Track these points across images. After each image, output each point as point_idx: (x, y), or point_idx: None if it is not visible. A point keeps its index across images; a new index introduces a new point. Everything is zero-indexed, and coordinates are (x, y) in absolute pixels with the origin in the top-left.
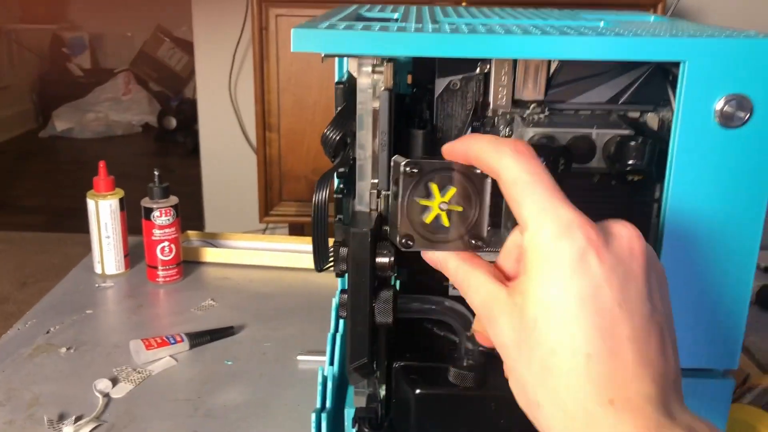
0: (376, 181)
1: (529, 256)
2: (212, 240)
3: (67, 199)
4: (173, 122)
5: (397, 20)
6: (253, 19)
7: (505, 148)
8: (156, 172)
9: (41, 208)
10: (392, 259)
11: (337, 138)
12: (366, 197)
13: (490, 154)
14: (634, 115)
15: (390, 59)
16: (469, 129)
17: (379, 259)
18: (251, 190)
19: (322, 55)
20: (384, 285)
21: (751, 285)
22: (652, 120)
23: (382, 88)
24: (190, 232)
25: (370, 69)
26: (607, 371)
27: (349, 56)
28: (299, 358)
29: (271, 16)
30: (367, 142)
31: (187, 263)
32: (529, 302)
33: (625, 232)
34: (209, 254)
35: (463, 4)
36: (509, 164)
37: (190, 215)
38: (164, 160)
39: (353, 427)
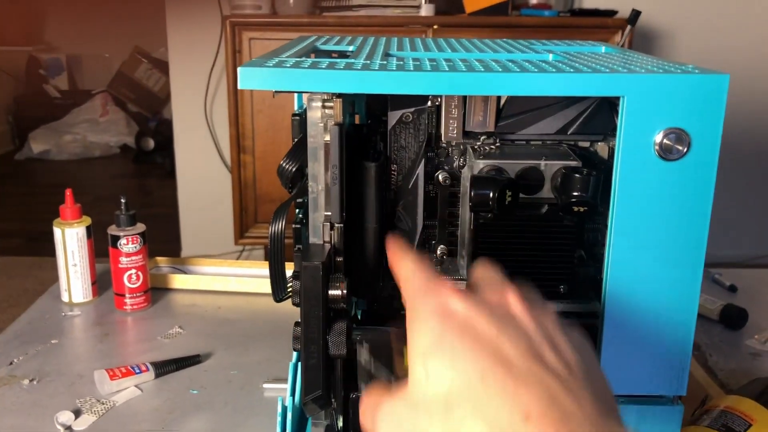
0: (329, 213)
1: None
2: (181, 266)
3: (43, 222)
4: (151, 143)
5: (349, 54)
6: (227, 42)
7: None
8: (122, 200)
9: (15, 232)
10: (345, 291)
11: (294, 169)
12: (319, 229)
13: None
14: (586, 144)
15: (339, 95)
16: (423, 160)
17: (331, 292)
18: (227, 212)
19: (273, 92)
20: (338, 316)
21: (696, 311)
22: (602, 149)
23: (332, 123)
24: (159, 258)
25: (320, 104)
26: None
27: (297, 92)
28: (265, 386)
29: (244, 39)
30: (320, 175)
31: (156, 290)
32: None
33: (496, 288)
34: (177, 281)
35: (435, 27)
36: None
37: (168, 237)
38: (142, 181)
39: None
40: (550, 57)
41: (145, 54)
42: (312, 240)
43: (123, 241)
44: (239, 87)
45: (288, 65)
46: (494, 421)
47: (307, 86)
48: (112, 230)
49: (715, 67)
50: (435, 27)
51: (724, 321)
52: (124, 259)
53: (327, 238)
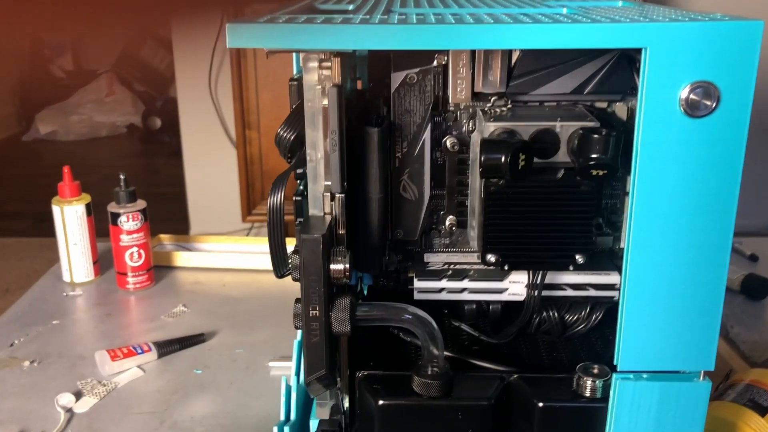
0: (329, 183)
1: None
2: (185, 243)
3: (51, 203)
4: (158, 122)
5: (345, 12)
6: (228, 15)
7: None
8: (122, 176)
9: (25, 213)
10: (347, 265)
11: (292, 138)
12: (319, 200)
13: None
14: (603, 105)
15: (338, 54)
16: (429, 125)
17: (333, 266)
18: (235, 189)
19: (266, 51)
20: (341, 292)
21: (725, 282)
22: (620, 110)
23: (330, 85)
24: (162, 236)
25: (316, 64)
26: None
27: (291, 51)
28: (271, 364)
29: (247, 11)
30: (318, 142)
31: (159, 268)
32: None
33: None
34: (181, 258)
35: None
36: None
37: (177, 216)
38: (150, 160)
39: None
40: (564, 11)
41: (150, 32)
42: (312, 212)
43: (123, 218)
44: (228, 45)
45: (280, 21)
46: None
47: (301, 43)
48: (112, 207)
49: None
50: None
51: (745, 291)
52: (125, 237)
53: (328, 210)
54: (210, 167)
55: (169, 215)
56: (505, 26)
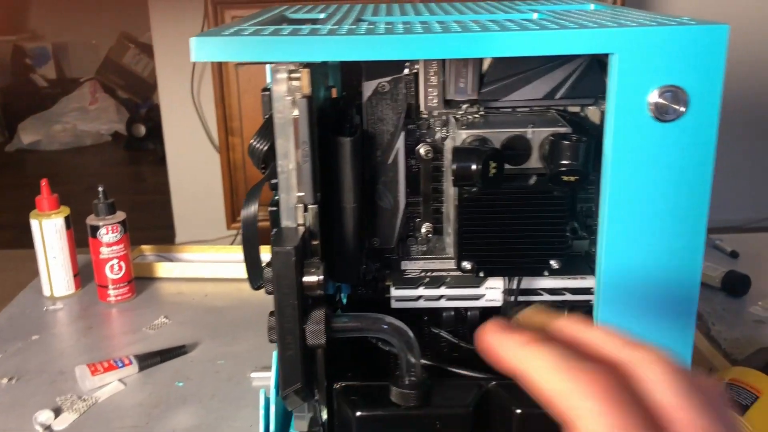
0: (302, 194)
1: None
2: (167, 254)
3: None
4: (143, 129)
5: (316, 21)
6: (209, 21)
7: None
8: (100, 188)
9: (8, 224)
10: (321, 277)
11: (265, 148)
12: (292, 211)
13: (570, 400)
14: (576, 109)
15: (306, 65)
16: (402, 133)
17: (306, 278)
18: (219, 196)
19: (234, 63)
20: (316, 304)
21: (699, 284)
22: (593, 114)
23: (300, 96)
24: (144, 247)
25: (285, 75)
26: None
27: (258, 63)
28: (253, 375)
29: (227, 17)
30: (290, 153)
31: (141, 280)
32: None
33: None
34: (162, 269)
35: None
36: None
37: (163, 224)
38: (135, 168)
39: None
40: (535, 16)
41: (133, 39)
42: (285, 223)
43: (103, 230)
44: (192, 59)
45: (246, 33)
46: None
47: (267, 56)
48: (91, 220)
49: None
50: None
51: (726, 288)
52: (105, 249)
53: (301, 221)
54: (194, 174)
55: (155, 223)
56: (471, 35)
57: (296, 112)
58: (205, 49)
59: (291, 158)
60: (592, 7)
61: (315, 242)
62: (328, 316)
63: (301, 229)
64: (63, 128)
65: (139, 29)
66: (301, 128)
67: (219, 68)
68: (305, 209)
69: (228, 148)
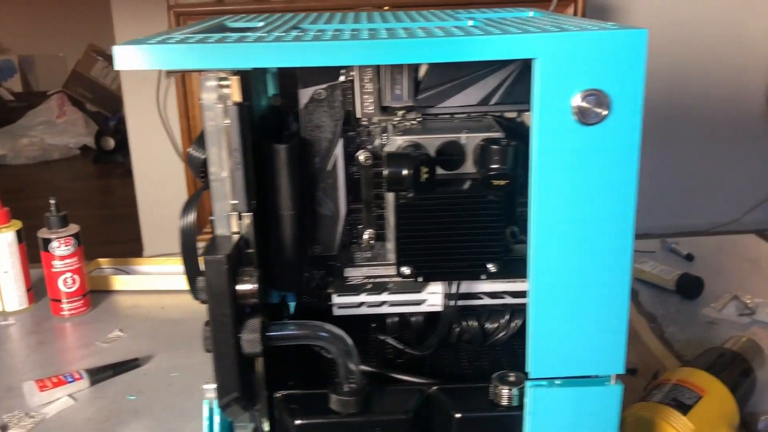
0: (235, 202)
1: None
2: (123, 266)
3: None
4: (112, 143)
5: (255, 29)
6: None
7: None
8: (51, 201)
9: None
10: (256, 285)
11: (203, 157)
12: (225, 220)
13: None
14: (513, 115)
15: (236, 72)
16: (341, 140)
17: (239, 287)
18: None
19: (166, 71)
20: (253, 313)
21: (629, 286)
22: (530, 119)
23: (230, 103)
24: (101, 260)
25: (215, 83)
26: None
27: (185, 72)
28: (205, 387)
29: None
30: (222, 161)
31: (97, 293)
32: None
33: None
34: (118, 282)
35: (386, 8)
36: None
37: (131, 237)
38: (104, 181)
39: None
40: (470, 23)
41: (100, 51)
42: (218, 231)
43: (55, 243)
44: (115, 68)
45: (173, 42)
46: None
47: (192, 63)
48: (43, 233)
49: (678, 38)
50: (386, 8)
51: (680, 291)
52: (57, 263)
53: (235, 229)
54: (161, 186)
55: (124, 236)
56: (392, 41)
57: (227, 120)
58: (127, 58)
59: (224, 166)
60: (530, 14)
61: (250, 250)
62: (265, 325)
63: (236, 237)
64: (30, 142)
65: (107, 41)
66: (232, 136)
67: (182, 80)
68: (239, 217)
69: None
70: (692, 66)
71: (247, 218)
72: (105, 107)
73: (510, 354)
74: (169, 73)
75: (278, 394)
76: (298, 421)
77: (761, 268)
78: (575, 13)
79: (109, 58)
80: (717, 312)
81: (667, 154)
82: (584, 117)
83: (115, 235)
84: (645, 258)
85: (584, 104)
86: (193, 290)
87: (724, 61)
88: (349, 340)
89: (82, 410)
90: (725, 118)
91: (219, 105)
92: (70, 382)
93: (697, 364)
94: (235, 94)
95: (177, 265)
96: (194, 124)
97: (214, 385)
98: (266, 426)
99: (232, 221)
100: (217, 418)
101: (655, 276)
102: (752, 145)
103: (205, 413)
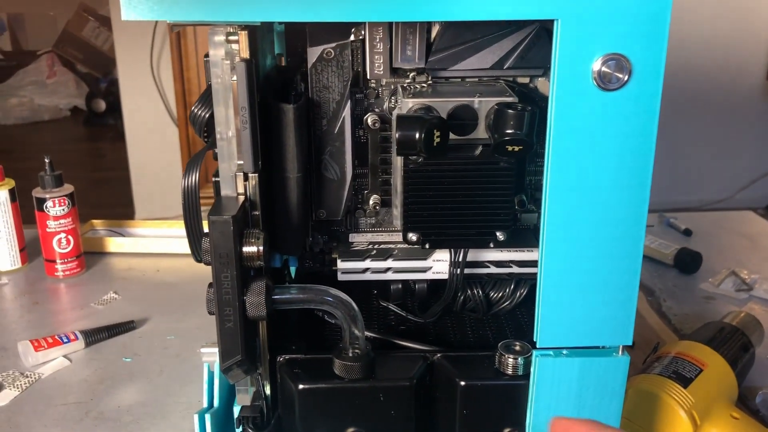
0: (241, 162)
1: None
2: (118, 228)
3: None
4: (102, 105)
5: None
6: None
7: None
8: (47, 160)
9: None
10: (261, 248)
11: (207, 115)
12: (232, 180)
13: None
14: (526, 80)
15: (245, 27)
16: (348, 102)
17: (245, 248)
18: (178, 172)
19: (169, 25)
20: (257, 276)
21: (641, 257)
22: (542, 85)
23: (238, 59)
24: (95, 221)
25: (223, 38)
26: None
27: (193, 25)
28: (202, 350)
29: None
30: (229, 120)
31: (91, 255)
32: None
33: None
34: (113, 244)
35: None
36: None
37: (122, 201)
38: (95, 144)
39: (238, 427)
40: None
41: (92, 11)
42: (224, 192)
43: (49, 203)
44: (122, 18)
45: None
46: None
47: (202, 15)
48: (37, 192)
49: (676, 15)
50: None
51: (678, 265)
52: (52, 223)
53: (241, 190)
54: (154, 150)
55: (116, 200)
56: None
57: (235, 77)
58: (134, 7)
59: (230, 125)
60: None
61: (256, 212)
62: (270, 288)
63: (241, 198)
64: (19, 102)
65: (99, 1)
66: (239, 93)
67: (177, 42)
68: (245, 178)
69: (187, 123)
70: (689, 42)
71: (254, 179)
72: (96, 68)
73: (513, 323)
74: (174, 26)
75: (281, 359)
76: (301, 386)
77: (758, 244)
78: None
79: (100, 19)
80: (715, 287)
81: (662, 131)
82: (605, 82)
83: (106, 198)
84: None
85: (605, 69)
86: (196, 252)
87: (721, 38)
88: (355, 306)
89: (77, 371)
90: (722, 95)
91: (226, 61)
92: (65, 342)
93: (697, 337)
94: (243, 49)
95: (172, 228)
96: (189, 86)
97: (214, 349)
98: (267, 390)
99: (238, 182)
100: (216, 381)
101: (654, 250)
102: (748, 124)
103: (205, 376)
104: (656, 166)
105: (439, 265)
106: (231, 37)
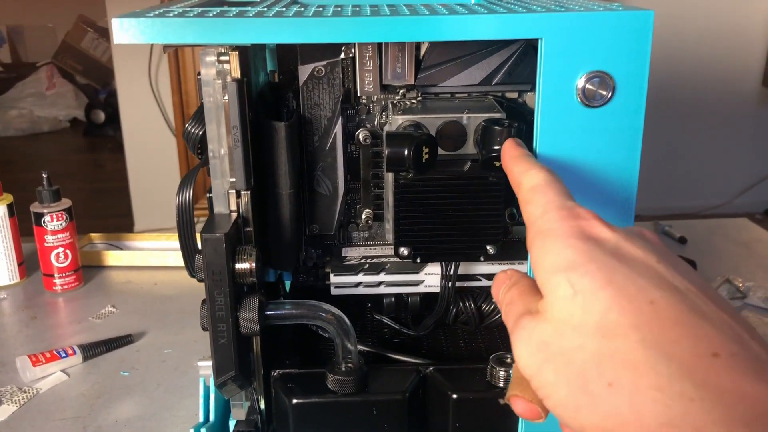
0: (234, 180)
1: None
2: (116, 242)
3: None
4: (102, 116)
5: (251, 3)
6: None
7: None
8: (44, 175)
9: None
10: (254, 264)
11: (200, 133)
12: (224, 197)
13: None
14: (514, 95)
15: (235, 47)
16: (340, 118)
17: (238, 265)
18: (177, 182)
19: (162, 46)
20: (250, 292)
21: None
22: (531, 100)
23: (230, 79)
24: (93, 235)
25: (214, 58)
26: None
27: (184, 46)
28: (200, 364)
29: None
30: (221, 138)
31: (89, 268)
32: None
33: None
34: (111, 257)
35: None
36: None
37: (121, 212)
38: (94, 155)
39: None
40: (472, 1)
41: (90, 23)
42: (217, 210)
43: (47, 218)
44: (114, 41)
45: (171, 15)
46: (672, 352)
47: (193, 38)
48: (35, 207)
49: (672, 22)
50: None
51: None
52: (50, 238)
53: (234, 207)
54: (152, 161)
55: (115, 211)
56: (397, 18)
57: (226, 97)
58: (126, 31)
59: (222, 143)
60: None
61: (248, 229)
62: (263, 304)
63: (234, 215)
64: (19, 114)
65: (98, 12)
66: (231, 112)
67: (175, 54)
68: (238, 195)
69: None
70: (685, 48)
71: (246, 196)
72: (95, 80)
73: (505, 336)
74: (166, 47)
75: (275, 373)
76: (295, 400)
77: (753, 251)
78: None
79: (99, 30)
80: None
81: (659, 137)
82: (589, 99)
83: (105, 209)
84: None
85: (589, 86)
86: (190, 268)
87: (717, 44)
88: (347, 320)
89: (75, 386)
90: (718, 101)
91: (218, 81)
92: (63, 357)
93: None
94: (234, 69)
95: (170, 241)
96: (187, 99)
97: (210, 362)
98: (262, 404)
99: (230, 199)
100: (212, 395)
101: None
102: (744, 130)
103: (201, 391)
104: (654, 172)
105: (431, 278)
106: (222, 57)
